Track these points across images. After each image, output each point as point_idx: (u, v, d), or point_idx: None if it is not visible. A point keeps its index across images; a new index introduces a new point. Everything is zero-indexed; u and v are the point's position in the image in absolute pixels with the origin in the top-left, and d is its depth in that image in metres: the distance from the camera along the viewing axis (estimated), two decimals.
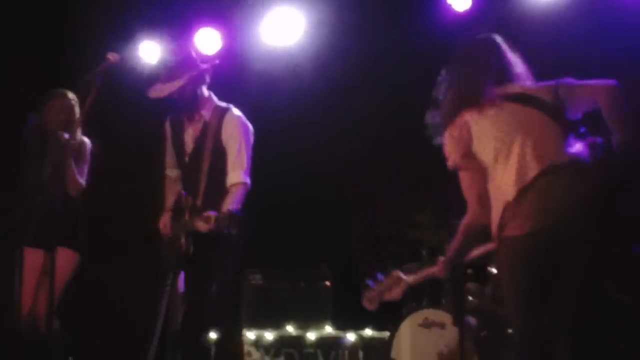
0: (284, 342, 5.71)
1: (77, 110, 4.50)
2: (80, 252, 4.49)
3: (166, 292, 4.07)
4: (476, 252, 3.40)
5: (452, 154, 3.18)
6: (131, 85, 5.72)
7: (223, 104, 4.23)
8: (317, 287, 5.92)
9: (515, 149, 3.00)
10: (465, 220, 3.22)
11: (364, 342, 5.61)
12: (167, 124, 4.29)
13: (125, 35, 6.00)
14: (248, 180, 4.09)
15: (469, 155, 3.14)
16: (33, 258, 4.35)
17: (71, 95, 4.53)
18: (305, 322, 5.78)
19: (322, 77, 5.94)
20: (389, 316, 5.36)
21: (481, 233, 3.22)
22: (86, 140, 4.62)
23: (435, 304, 5.08)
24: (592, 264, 2.90)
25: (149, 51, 6.22)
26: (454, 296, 4.86)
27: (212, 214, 3.80)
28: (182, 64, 4.16)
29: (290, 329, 5.75)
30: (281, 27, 6.06)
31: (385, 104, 5.77)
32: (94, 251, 4.63)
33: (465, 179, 3.19)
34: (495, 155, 3.05)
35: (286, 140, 6.13)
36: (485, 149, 3.08)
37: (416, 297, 5.26)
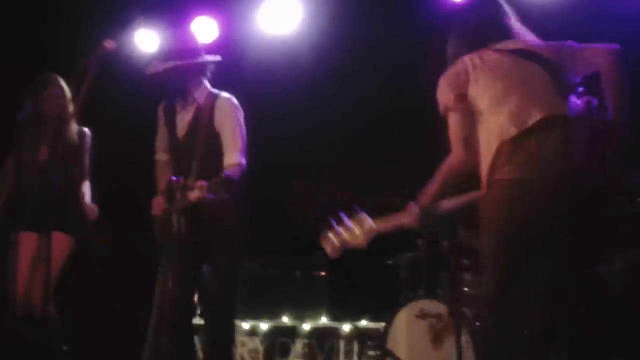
0: (279, 332, 5.71)
1: (70, 98, 4.49)
2: (75, 237, 4.47)
3: (160, 279, 4.08)
4: (456, 202, 3.24)
5: (445, 96, 3.12)
6: (127, 73, 5.70)
7: (215, 91, 4.28)
8: (313, 277, 5.92)
9: (516, 97, 2.97)
10: (447, 164, 3.09)
11: (359, 332, 5.61)
12: (160, 110, 4.34)
13: (122, 23, 5.98)
14: (244, 162, 4.13)
15: (462, 98, 3.08)
16: (28, 242, 4.34)
17: (63, 81, 4.52)
18: (301, 313, 5.78)
19: (319, 66, 5.92)
20: (385, 307, 5.37)
21: (459, 182, 3.13)
22: (86, 130, 4.61)
23: (431, 294, 5.07)
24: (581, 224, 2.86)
25: (146, 39, 6.20)
26: (450, 287, 4.88)
27: (204, 183, 3.82)
28: (186, 48, 4.20)
29: (285, 319, 5.75)
30: (279, 16, 6.04)
31: (383, 93, 5.75)
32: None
33: (454, 121, 3.10)
34: (492, 102, 3.01)
35: (283, 128, 6.11)
36: (482, 94, 3.05)
37: (412, 287, 5.25)
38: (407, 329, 4.91)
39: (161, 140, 4.35)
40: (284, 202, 5.95)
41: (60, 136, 4.36)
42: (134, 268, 5.14)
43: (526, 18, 3.32)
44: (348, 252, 6.34)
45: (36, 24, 5.92)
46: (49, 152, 4.35)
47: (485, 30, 3.20)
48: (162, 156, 4.36)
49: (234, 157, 4.11)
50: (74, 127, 4.53)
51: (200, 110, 4.20)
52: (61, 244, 4.33)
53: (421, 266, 5.19)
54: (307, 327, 5.67)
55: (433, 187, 3.12)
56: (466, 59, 3.12)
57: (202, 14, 6.16)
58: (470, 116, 3.08)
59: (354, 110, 5.99)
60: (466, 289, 4.79)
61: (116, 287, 5.83)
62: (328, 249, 3.13)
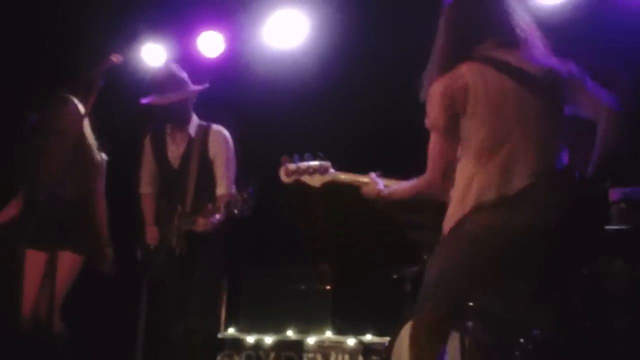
0: (283, 346, 5.69)
1: (82, 113, 4.51)
2: (83, 255, 4.47)
3: (142, 302, 4.27)
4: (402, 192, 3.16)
5: (436, 112, 2.85)
6: (133, 86, 5.72)
7: (203, 122, 4.52)
8: (317, 291, 5.91)
9: (508, 145, 2.77)
10: (420, 183, 2.99)
11: (364, 346, 5.59)
12: (147, 140, 4.48)
13: (128, 36, 6.01)
14: (234, 190, 4.34)
15: (453, 122, 2.83)
16: (35, 259, 4.34)
17: (76, 100, 4.54)
18: (306, 326, 5.77)
19: (325, 80, 5.93)
20: (389, 321, 5.35)
21: (425, 202, 3.06)
22: (103, 155, 4.63)
23: None
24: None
25: (152, 53, 6.23)
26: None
27: (210, 206, 4.00)
28: (176, 84, 4.44)
29: (290, 333, 5.73)
30: (284, 30, 6.06)
31: (389, 106, 5.76)
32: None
33: (438, 145, 2.88)
34: (484, 141, 2.79)
35: (289, 141, 6.11)
36: (476, 130, 2.81)
37: (416, 301, 5.23)
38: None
39: (146, 173, 4.55)
40: (288, 215, 5.95)
41: (73, 152, 4.37)
42: (139, 284, 5.14)
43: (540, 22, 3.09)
44: (353, 266, 6.35)
45: (43, 37, 5.96)
46: (57, 165, 4.36)
47: (481, 26, 2.89)
48: (146, 189, 4.61)
49: (226, 188, 4.35)
50: (91, 145, 4.53)
51: (193, 141, 4.42)
52: (69, 262, 4.33)
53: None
54: (311, 340, 5.66)
55: (400, 190, 3.09)
56: (466, 73, 2.81)
57: (208, 27, 6.19)
58: (456, 143, 2.88)
59: (360, 123, 6.00)
60: (470, 303, 4.77)
61: (122, 303, 5.82)
62: (281, 172, 3.37)
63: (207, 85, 4.53)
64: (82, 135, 4.40)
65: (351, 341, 5.60)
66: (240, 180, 4.27)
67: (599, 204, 2.88)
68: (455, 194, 2.87)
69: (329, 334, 5.73)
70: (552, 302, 4.10)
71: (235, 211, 4.00)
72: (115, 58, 3.93)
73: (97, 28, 5.80)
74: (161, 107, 4.41)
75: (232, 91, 5.74)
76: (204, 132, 4.44)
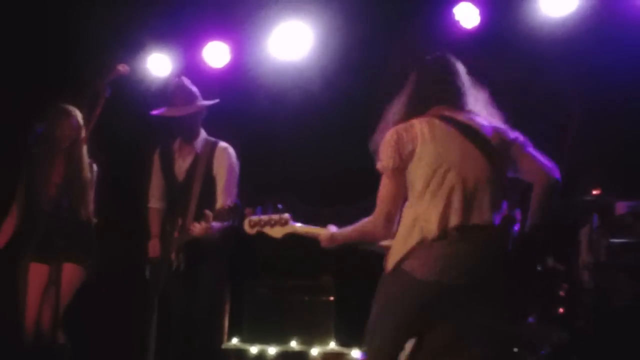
0: (287, 357, 5.68)
1: (83, 127, 4.52)
2: (85, 266, 4.47)
3: (153, 319, 4.28)
4: (385, 243, 3.29)
5: (386, 156, 3.10)
6: (139, 97, 5.74)
7: (211, 138, 4.55)
8: (321, 302, 5.89)
9: (447, 187, 2.98)
10: (365, 227, 3.18)
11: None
12: (156, 155, 4.52)
13: (134, 47, 6.03)
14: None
15: (402, 169, 3.08)
16: (38, 270, 4.33)
17: (79, 112, 4.55)
18: (309, 337, 5.76)
19: (329, 91, 5.94)
20: None
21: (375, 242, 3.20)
22: (94, 166, 4.63)
23: None
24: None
25: (158, 64, 6.25)
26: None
27: (209, 212, 4.09)
28: (187, 98, 4.47)
29: (293, 344, 5.72)
30: (289, 41, 6.07)
31: None
32: (100, 266, 4.65)
33: (386, 187, 3.11)
34: (427, 182, 3.01)
35: (293, 152, 6.12)
36: (421, 171, 3.03)
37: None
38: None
39: (155, 187, 4.59)
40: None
41: (71, 163, 4.38)
42: (143, 297, 5.14)
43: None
44: (356, 278, 6.34)
45: (49, 48, 5.97)
46: (60, 180, 4.37)
47: (434, 92, 3.16)
48: (155, 204, 4.63)
49: (227, 201, 4.33)
50: (85, 157, 4.55)
51: (198, 157, 4.46)
52: (71, 274, 4.34)
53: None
54: (315, 352, 5.64)
55: (348, 234, 3.26)
56: (416, 123, 3.08)
57: (213, 38, 6.20)
58: (403, 189, 3.09)
59: (364, 135, 5.99)
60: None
61: (124, 314, 5.82)
62: (245, 224, 3.49)
63: (217, 100, 4.55)
64: (80, 149, 4.41)
65: (355, 352, 5.59)
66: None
67: (524, 264, 3.05)
68: (399, 231, 3.07)
69: (333, 345, 5.72)
70: (556, 315, 4.10)
71: (224, 222, 4.07)
72: (122, 68, 3.94)
73: (103, 38, 5.82)
74: (171, 120, 4.43)
75: (237, 101, 5.74)
76: (210, 149, 4.48)
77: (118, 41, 5.87)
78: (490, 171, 3.02)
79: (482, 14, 5.65)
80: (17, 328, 4.36)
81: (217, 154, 4.46)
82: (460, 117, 3.10)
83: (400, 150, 3.06)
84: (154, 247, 4.46)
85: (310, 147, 6.10)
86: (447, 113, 3.11)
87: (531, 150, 3.10)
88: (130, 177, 5.41)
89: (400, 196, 3.09)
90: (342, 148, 6.09)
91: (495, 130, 3.11)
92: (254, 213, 3.47)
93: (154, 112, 4.49)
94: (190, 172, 4.45)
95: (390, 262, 3.06)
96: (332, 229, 3.35)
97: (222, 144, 4.53)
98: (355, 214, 3.37)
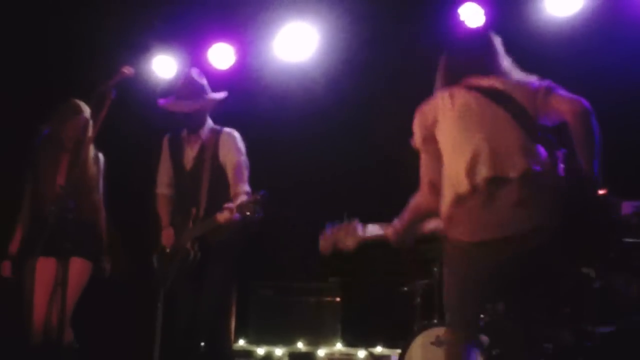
0: (294, 358, 5.69)
1: (91, 125, 4.52)
2: (93, 262, 4.48)
3: (159, 310, 4.25)
4: (432, 225, 3.33)
5: (416, 133, 3.18)
6: (144, 98, 5.75)
7: (217, 126, 4.51)
8: (328, 303, 5.90)
9: (472, 144, 2.97)
10: (415, 201, 3.20)
11: (374, 358, 5.57)
12: (165, 142, 4.51)
13: (139, 49, 6.04)
14: (249, 189, 4.35)
15: (429, 139, 3.12)
16: (46, 268, 4.34)
17: (87, 108, 4.54)
18: (316, 338, 5.76)
19: (334, 92, 5.95)
20: (399, 333, 5.33)
21: (430, 215, 3.19)
22: (100, 155, 4.64)
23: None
24: (540, 284, 2.91)
25: (163, 65, 6.26)
26: None
27: (231, 205, 4.07)
28: (196, 91, 4.42)
29: (300, 345, 5.73)
30: (294, 43, 6.08)
31: (398, 120, 5.76)
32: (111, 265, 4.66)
33: (423, 161, 3.16)
34: (453, 144, 3.04)
35: (298, 154, 6.13)
36: (445, 138, 3.07)
37: (426, 314, 5.22)
38: (422, 355, 4.87)
39: (164, 173, 4.55)
40: (297, 228, 5.95)
41: (78, 161, 4.38)
42: (148, 293, 5.14)
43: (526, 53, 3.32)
44: (363, 279, 6.32)
45: (55, 51, 5.99)
46: (66, 177, 4.38)
47: (468, 64, 3.19)
48: (164, 189, 4.56)
49: (241, 187, 4.32)
50: (91, 152, 4.56)
51: (204, 145, 4.41)
52: (79, 269, 4.34)
53: (435, 293, 5.16)
54: (322, 352, 5.65)
55: (405, 217, 3.25)
56: (438, 95, 3.15)
57: (218, 40, 6.21)
58: (438, 158, 3.10)
59: (369, 135, 6.01)
60: (481, 316, 4.76)
61: (132, 312, 5.83)
62: (321, 244, 3.48)
63: (225, 93, 4.53)
64: (85, 150, 4.41)
65: (361, 353, 5.59)
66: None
67: (589, 207, 2.94)
68: (442, 204, 3.06)
69: (339, 346, 5.72)
70: (564, 316, 4.08)
71: (248, 213, 4.00)
72: (127, 70, 3.94)
73: (108, 41, 5.83)
74: (179, 112, 4.40)
75: (242, 102, 5.75)
76: (215, 136, 4.44)
77: (123, 43, 5.89)
78: (516, 124, 2.98)
79: (487, 14, 5.64)
80: (26, 327, 4.36)
81: (222, 140, 4.42)
82: (485, 82, 3.10)
83: (424, 122, 3.14)
84: (168, 236, 4.40)
85: (315, 147, 6.11)
86: (472, 81, 3.12)
87: (558, 91, 3.05)
88: (135, 178, 5.42)
89: (437, 164, 3.10)
90: (346, 148, 6.10)
91: (520, 84, 3.09)
92: (326, 231, 3.47)
93: (162, 102, 4.45)
94: (198, 160, 4.41)
95: (441, 226, 3.07)
96: (389, 226, 3.35)
97: (227, 129, 4.49)
98: (364, 213, 3.39)
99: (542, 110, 3.03)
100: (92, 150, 4.55)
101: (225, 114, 4.66)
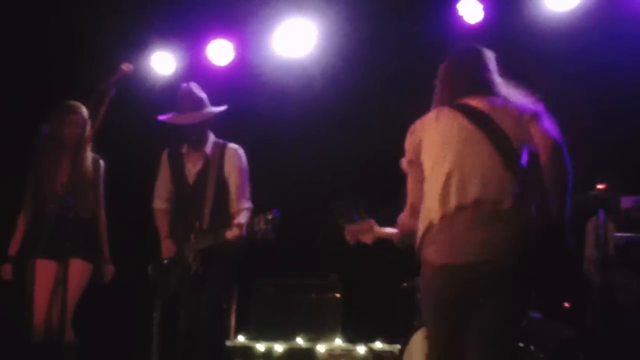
0: (294, 354, 5.69)
1: (89, 124, 4.52)
2: (92, 263, 4.49)
3: (155, 319, 4.28)
4: None
5: (405, 153, 3.19)
6: (143, 95, 5.75)
7: (220, 140, 4.56)
8: (327, 299, 5.91)
9: (445, 171, 2.97)
10: (400, 220, 3.26)
11: (374, 354, 5.58)
12: (164, 156, 4.52)
13: (138, 45, 6.03)
14: (250, 205, 4.47)
15: (415, 161, 3.12)
16: (46, 268, 4.34)
17: (85, 109, 4.54)
18: (316, 334, 5.77)
19: (333, 88, 5.94)
20: (398, 329, 5.34)
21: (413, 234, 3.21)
22: (101, 160, 4.64)
23: None
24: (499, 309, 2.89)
25: (162, 62, 6.25)
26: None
27: (242, 221, 4.19)
28: (195, 105, 4.46)
29: (300, 341, 5.73)
30: (293, 39, 6.07)
31: (397, 116, 5.76)
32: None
33: (408, 184, 3.19)
34: (432, 167, 3.04)
35: (298, 150, 6.13)
36: (427, 158, 3.07)
37: None
38: (422, 351, 4.87)
39: (163, 188, 4.58)
40: (298, 225, 5.95)
41: (77, 162, 4.39)
42: (147, 294, 5.15)
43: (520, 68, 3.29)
44: (363, 275, 6.31)
45: (53, 49, 5.98)
46: (66, 176, 4.38)
47: (459, 83, 3.15)
48: (160, 204, 4.60)
49: (242, 203, 4.43)
50: (90, 153, 4.57)
51: (209, 161, 4.46)
52: (79, 269, 4.35)
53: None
54: (321, 348, 5.65)
55: (397, 229, 3.32)
56: (428, 115, 3.14)
57: (217, 36, 6.21)
58: (421, 181, 3.10)
59: (368, 131, 6.00)
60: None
61: (131, 313, 5.83)
62: (348, 239, 3.59)
63: (225, 107, 4.54)
64: (84, 148, 4.42)
65: (361, 349, 5.59)
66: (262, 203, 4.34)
67: (547, 247, 2.90)
68: (420, 218, 3.10)
69: (339, 342, 5.73)
70: (564, 314, 4.09)
71: (258, 232, 4.05)
72: (126, 67, 3.94)
73: (107, 38, 5.83)
74: (179, 126, 4.42)
75: (241, 99, 5.74)
76: (220, 151, 4.48)
77: (122, 40, 5.88)
78: (494, 152, 2.95)
79: (485, 9, 5.64)
80: (27, 326, 4.36)
81: (227, 156, 4.47)
82: (474, 102, 3.06)
83: (411, 143, 3.14)
84: (167, 248, 4.46)
85: (314, 143, 6.10)
86: (462, 101, 3.08)
87: (541, 122, 2.98)
88: (135, 176, 5.42)
89: (420, 186, 3.10)
90: (346, 144, 6.09)
91: (508, 107, 3.03)
92: (350, 222, 3.58)
93: (161, 118, 4.47)
94: (202, 175, 4.45)
95: (416, 247, 3.10)
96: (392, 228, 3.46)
97: (232, 145, 4.53)
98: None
99: (524, 137, 2.97)
100: (90, 150, 4.55)
101: (224, 112, 4.66)
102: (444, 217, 2.93)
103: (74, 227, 3.97)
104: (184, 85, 4.60)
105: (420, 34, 5.66)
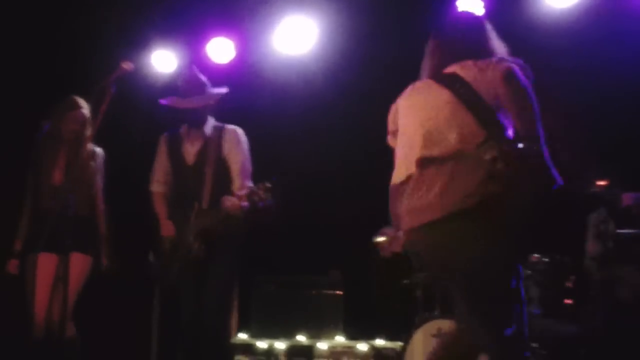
0: (295, 351, 5.69)
1: (90, 120, 4.52)
2: (93, 257, 4.49)
3: (155, 307, 4.23)
4: None
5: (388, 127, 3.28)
6: (144, 93, 5.75)
7: (219, 123, 4.53)
8: (329, 296, 5.91)
9: (410, 133, 3.02)
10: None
11: (375, 351, 5.58)
12: (162, 140, 4.51)
13: (138, 43, 6.04)
14: (252, 184, 4.31)
15: (396, 132, 3.19)
16: (47, 264, 4.35)
17: (86, 104, 4.55)
18: (317, 331, 5.77)
19: (334, 85, 5.94)
20: (400, 326, 5.35)
21: None
22: (99, 150, 4.64)
23: (447, 313, 5.04)
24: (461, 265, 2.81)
25: (162, 60, 6.26)
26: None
27: (240, 193, 4.11)
28: (197, 88, 4.44)
29: (301, 338, 5.73)
30: (294, 36, 6.07)
31: None
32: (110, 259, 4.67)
33: (394, 154, 3.24)
34: (401, 133, 3.12)
35: (299, 148, 6.13)
36: (399, 127, 3.15)
37: (427, 306, 5.23)
38: (424, 347, 4.88)
39: (160, 170, 4.55)
40: (299, 221, 5.95)
41: (76, 157, 4.39)
42: (147, 288, 5.16)
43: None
44: (365, 272, 6.31)
45: (54, 46, 5.98)
46: (65, 173, 4.39)
47: (453, 50, 3.06)
48: (158, 187, 4.56)
49: (244, 182, 4.34)
50: (90, 147, 4.56)
51: (208, 140, 4.42)
52: (80, 264, 4.35)
53: (436, 285, 5.17)
54: (323, 345, 5.65)
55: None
56: (404, 94, 3.18)
57: (218, 34, 6.21)
58: None
59: (370, 128, 6.00)
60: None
61: (131, 306, 5.84)
62: (384, 254, 3.60)
63: (226, 89, 4.54)
64: (84, 146, 4.42)
65: (362, 346, 5.60)
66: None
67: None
68: None
69: (340, 339, 5.73)
70: (564, 307, 4.10)
71: (258, 200, 3.99)
72: (126, 65, 3.94)
73: (108, 36, 5.83)
74: (181, 110, 4.39)
75: (242, 97, 5.74)
76: (219, 132, 4.46)
77: (123, 38, 5.88)
78: (462, 108, 2.86)
79: (486, 6, 5.64)
80: (28, 321, 4.37)
81: (226, 136, 4.44)
82: (450, 69, 2.99)
83: (391, 117, 3.26)
84: (167, 227, 4.38)
85: (315, 140, 6.11)
86: (448, 69, 3.02)
87: (501, 64, 2.86)
88: (136, 174, 5.42)
89: None
90: (347, 141, 6.09)
91: (481, 67, 2.91)
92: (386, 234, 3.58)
93: (163, 102, 4.46)
94: (201, 155, 4.41)
95: None
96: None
97: (231, 126, 4.51)
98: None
99: (492, 89, 2.84)
100: (90, 146, 4.56)
101: (225, 109, 4.67)
102: (408, 178, 2.98)
103: (74, 225, 3.98)
104: (185, 68, 4.60)
105: (420, 31, 5.65)
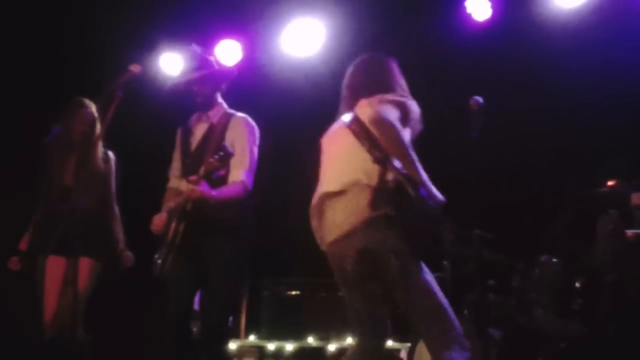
0: (304, 353, 5.70)
1: (98, 121, 4.53)
2: (101, 261, 4.50)
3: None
4: None
5: None
6: (152, 96, 5.76)
7: (230, 110, 4.30)
8: (338, 298, 5.90)
9: (322, 173, 3.50)
10: None
11: (385, 353, 5.57)
12: (177, 134, 4.35)
13: (146, 46, 6.05)
14: (247, 179, 4.10)
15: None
16: (56, 266, 4.36)
17: (94, 106, 4.56)
18: (326, 333, 5.77)
19: (341, 88, 5.92)
20: (409, 327, 5.33)
21: None
22: (111, 154, 4.65)
23: (457, 315, 5.01)
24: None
25: (170, 63, 6.27)
26: (476, 308, 4.83)
27: (194, 176, 3.87)
28: (203, 61, 4.31)
29: (310, 340, 5.73)
30: (301, 38, 6.08)
31: None
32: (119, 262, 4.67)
33: None
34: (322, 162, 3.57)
35: (306, 150, 6.12)
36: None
37: None
38: None
39: (175, 166, 4.30)
40: (307, 224, 5.94)
41: (86, 160, 4.40)
42: (160, 289, 5.16)
43: None
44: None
45: (63, 49, 6.01)
46: (75, 176, 4.40)
47: (357, 89, 3.62)
48: (172, 182, 4.31)
49: (238, 175, 4.06)
50: (100, 150, 4.57)
51: (213, 126, 4.20)
52: (89, 270, 4.36)
53: (446, 287, 5.15)
54: (332, 347, 5.65)
55: None
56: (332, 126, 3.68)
57: (226, 36, 6.22)
58: None
59: None
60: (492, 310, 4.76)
61: (143, 309, 5.85)
62: None
63: (234, 67, 4.47)
64: (94, 148, 4.43)
65: None
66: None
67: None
68: None
69: (349, 340, 5.73)
70: (576, 310, 4.08)
71: (212, 171, 3.84)
72: (135, 68, 3.95)
73: (116, 39, 5.85)
74: (185, 85, 4.24)
75: (249, 99, 5.75)
76: (226, 119, 4.21)
77: (131, 41, 5.89)
78: (358, 148, 3.31)
79: (493, 6, 5.63)
80: (38, 324, 4.38)
81: (232, 124, 4.18)
82: (357, 110, 3.46)
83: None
84: (157, 220, 4.08)
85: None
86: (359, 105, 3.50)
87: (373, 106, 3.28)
88: (145, 177, 5.44)
89: None
90: None
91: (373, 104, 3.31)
92: None
93: (170, 87, 4.35)
94: (203, 141, 4.20)
95: None
96: None
97: (240, 114, 4.27)
98: None
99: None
100: (101, 148, 4.57)
101: (232, 109, 4.66)
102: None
103: (84, 228, 3.99)
104: (188, 47, 4.48)
105: (428, 32, 5.65)
